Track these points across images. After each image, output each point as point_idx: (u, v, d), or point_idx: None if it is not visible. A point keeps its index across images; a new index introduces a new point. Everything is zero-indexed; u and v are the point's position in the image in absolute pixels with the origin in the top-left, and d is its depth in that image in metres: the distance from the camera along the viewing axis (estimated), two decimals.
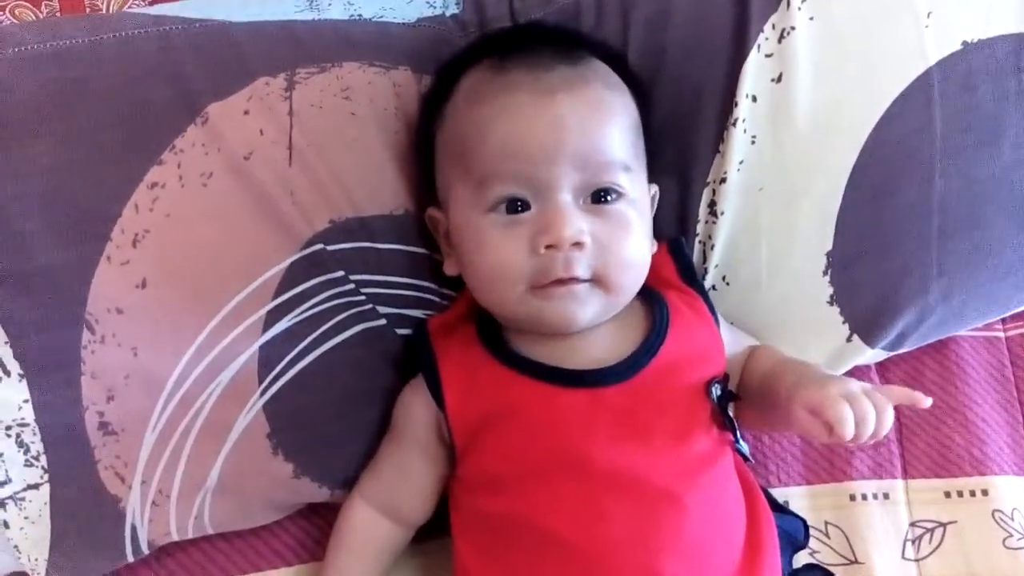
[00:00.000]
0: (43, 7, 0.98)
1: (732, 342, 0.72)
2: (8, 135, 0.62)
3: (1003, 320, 0.89)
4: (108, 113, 0.64)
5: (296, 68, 0.68)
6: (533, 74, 0.63)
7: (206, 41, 0.67)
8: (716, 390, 0.66)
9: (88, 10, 0.99)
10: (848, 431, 0.56)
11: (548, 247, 0.61)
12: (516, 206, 0.62)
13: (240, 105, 0.66)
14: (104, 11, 0.98)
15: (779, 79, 0.70)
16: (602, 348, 0.65)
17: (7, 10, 0.98)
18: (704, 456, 0.64)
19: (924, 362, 0.86)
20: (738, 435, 0.67)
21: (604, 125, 0.64)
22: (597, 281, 0.63)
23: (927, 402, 0.59)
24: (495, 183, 0.62)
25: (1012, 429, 0.85)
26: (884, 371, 0.86)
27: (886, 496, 0.82)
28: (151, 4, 0.98)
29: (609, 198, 0.63)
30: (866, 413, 0.56)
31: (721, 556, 0.63)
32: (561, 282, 0.62)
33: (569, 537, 0.61)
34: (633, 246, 0.64)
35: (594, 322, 0.64)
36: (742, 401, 0.69)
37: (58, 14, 0.98)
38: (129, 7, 1.00)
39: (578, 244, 0.61)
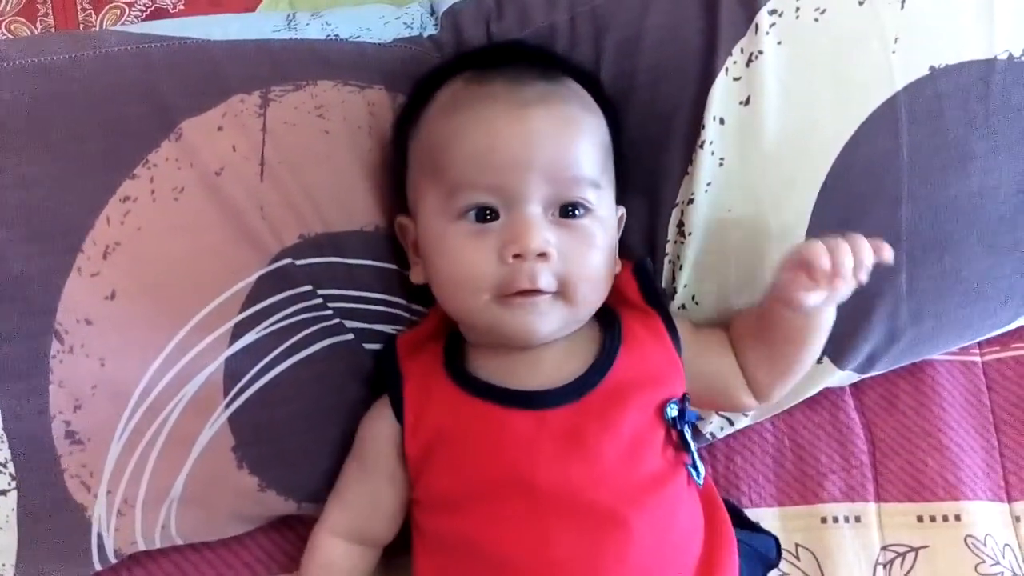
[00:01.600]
0: (38, 23, 1.01)
1: (710, 339, 0.72)
2: None
3: (980, 344, 0.88)
4: (85, 127, 0.65)
5: (271, 86, 0.69)
6: (510, 87, 0.64)
7: (184, 59, 0.69)
8: (671, 410, 0.66)
9: (82, 26, 1.01)
10: (823, 260, 0.61)
11: (515, 256, 0.62)
12: (485, 215, 0.63)
13: (214, 121, 0.67)
14: (97, 28, 1.01)
15: (747, 102, 0.71)
16: (552, 368, 0.66)
17: (3, 26, 1.01)
18: (654, 478, 0.64)
19: (899, 385, 0.86)
20: (694, 457, 0.67)
21: (576, 142, 0.64)
22: (560, 294, 0.63)
23: (888, 253, 0.64)
24: (466, 191, 0.63)
25: (987, 454, 0.84)
26: (859, 394, 0.86)
27: (858, 519, 0.81)
28: (143, 21, 1.01)
29: (577, 213, 0.64)
30: (836, 244, 0.61)
31: None
32: (525, 293, 0.62)
33: (515, 559, 0.61)
34: (597, 261, 0.65)
35: (554, 335, 0.65)
36: (749, 351, 0.70)
37: (52, 30, 1.01)
38: (122, 23, 1.02)
39: (544, 255, 0.62)
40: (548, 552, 0.61)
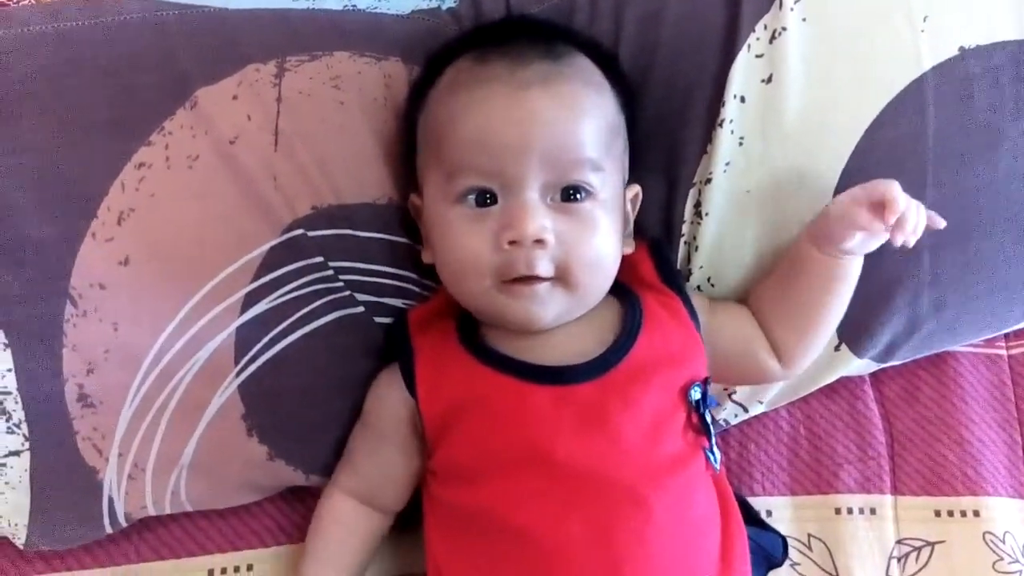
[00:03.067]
0: None
1: (730, 309, 0.72)
2: (5, 111, 0.64)
3: (1006, 337, 0.86)
4: (101, 93, 0.66)
5: (287, 56, 0.69)
6: (511, 68, 0.63)
7: (201, 27, 0.69)
8: (695, 393, 0.65)
9: None
10: (901, 202, 0.61)
11: (511, 243, 0.61)
12: (484, 198, 0.62)
13: (230, 90, 0.67)
14: None
15: (769, 80, 0.69)
16: (573, 346, 0.65)
17: None
18: (674, 459, 0.63)
19: (920, 377, 0.85)
20: (713, 441, 0.66)
21: (577, 123, 0.63)
22: (560, 279, 0.63)
23: (941, 223, 0.65)
24: (464, 175, 0.62)
25: (1009, 450, 0.83)
26: (879, 384, 0.85)
27: (873, 511, 0.80)
28: None
29: (578, 196, 0.63)
30: (907, 197, 0.62)
31: (687, 564, 0.62)
32: (524, 280, 0.62)
33: (531, 532, 0.61)
34: (599, 246, 0.64)
35: (558, 321, 0.64)
36: (773, 310, 0.70)
37: None
38: None
39: (540, 242, 0.61)
40: (565, 527, 0.60)
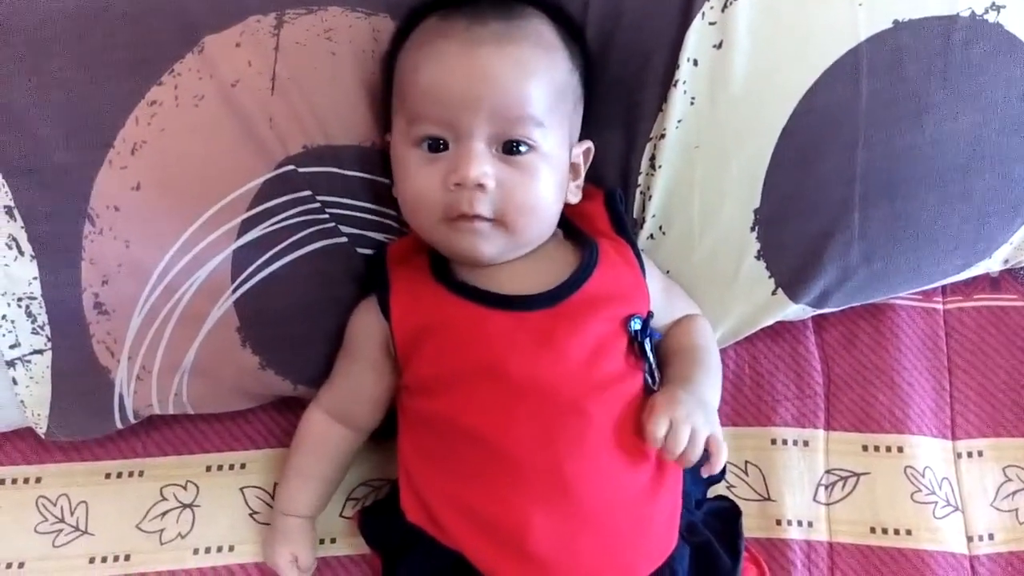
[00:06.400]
0: None
1: (666, 306, 0.79)
2: (35, 53, 0.71)
3: (943, 292, 0.93)
4: (120, 38, 0.72)
5: (286, 9, 0.75)
6: (467, 25, 0.70)
7: None
8: (635, 324, 0.73)
9: None
10: (652, 444, 0.68)
11: (456, 185, 0.69)
12: (437, 144, 0.70)
13: (233, 38, 0.74)
14: None
15: (720, 46, 0.76)
16: (531, 279, 0.73)
17: None
18: (613, 376, 0.72)
19: (860, 325, 0.92)
20: (652, 366, 0.74)
21: (524, 82, 0.69)
22: (499, 221, 0.70)
23: (716, 468, 0.69)
24: (421, 122, 0.70)
25: (937, 395, 0.90)
26: (821, 331, 0.92)
27: (806, 444, 0.88)
28: None
29: (520, 149, 0.70)
30: (677, 443, 0.67)
31: (624, 465, 0.70)
32: (465, 217, 0.69)
33: (485, 434, 0.70)
34: (537, 194, 0.71)
35: (501, 257, 0.72)
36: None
37: None
38: None
39: (481, 186, 0.69)
40: (513, 429, 0.69)
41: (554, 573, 0.69)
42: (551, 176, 0.72)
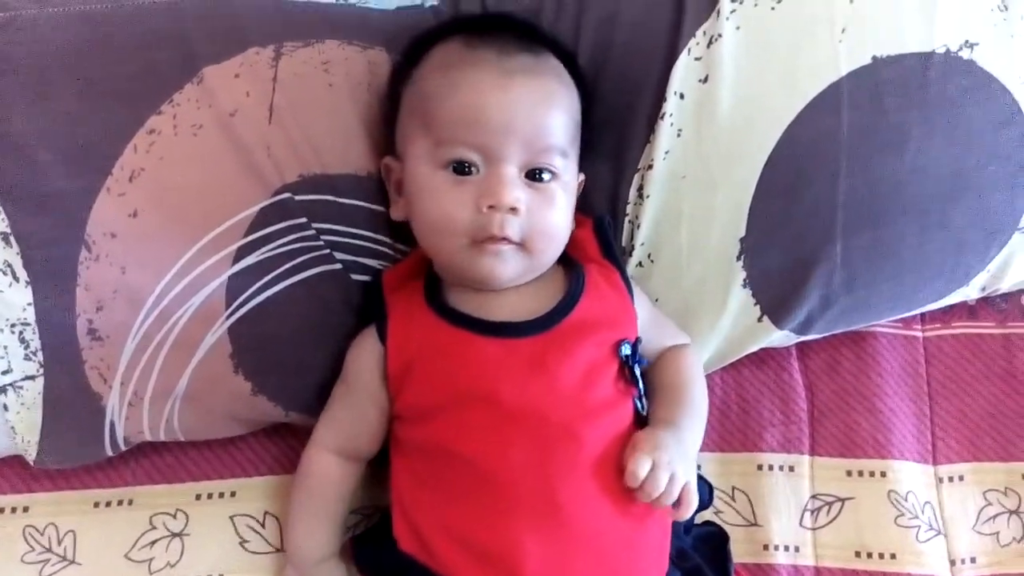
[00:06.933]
0: None
1: (655, 333, 0.80)
2: (36, 82, 0.73)
3: (922, 320, 0.96)
4: (121, 68, 0.74)
5: (284, 42, 0.77)
6: (498, 56, 0.72)
7: (210, 12, 0.77)
8: (625, 348, 0.75)
9: None
10: (629, 483, 0.67)
11: (489, 207, 0.70)
12: (465, 168, 0.72)
13: (232, 69, 0.76)
14: None
15: (705, 80, 0.78)
16: (521, 306, 0.75)
17: None
18: (605, 402, 0.73)
19: (843, 352, 0.94)
20: (641, 392, 0.75)
21: (552, 113, 0.73)
22: (523, 245, 0.72)
23: (683, 517, 0.71)
24: (451, 145, 0.71)
25: (918, 420, 0.92)
26: (804, 357, 0.94)
27: (792, 469, 0.89)
28: None
29: (544, 177, 0.73)
30: (656, 487, 0.67)
31: (615, 490, 0.70)
32: (494, 239, 0.71)
33: (477, 460, 0.70)
34: (557, 220, 0.74)
35: (513, 281, 0.74)
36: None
37: None
38: None
39: (514, 210, 0.71)
40: (507, 455, 0.70)
41: None
42: (567, 203, 0.75)
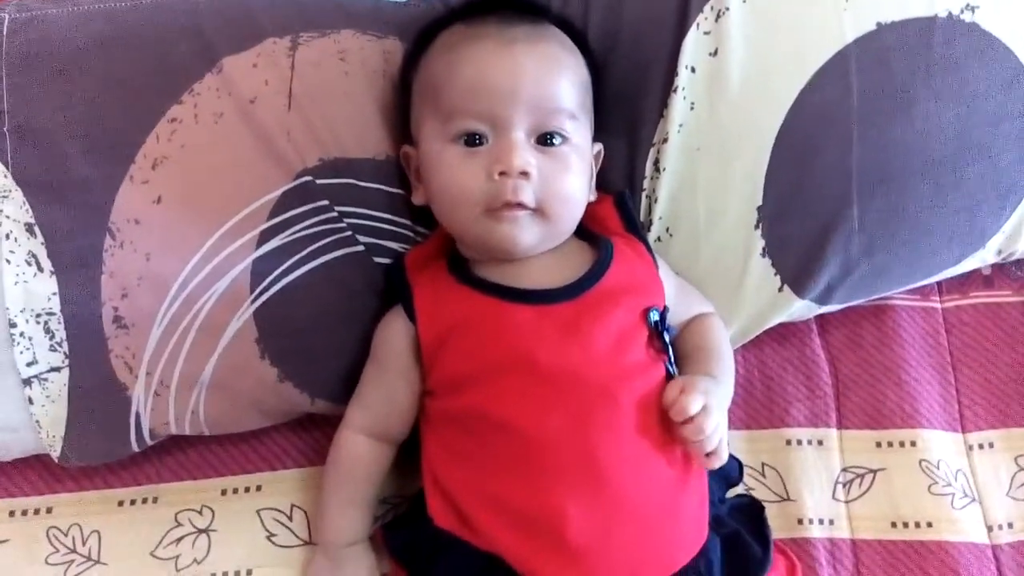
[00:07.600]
0: None
1: (681, 302, 0.81)
2: (63, 74, 0.74)
3: (940, 292, 0.96)
4: (142, 60, 0.76)
5: (300, 32, 0.79)
6: (499, 27, 0.74)
7: (226, 6, 0.79)
8: (654, 315, 0.75)
9: None
10: (677, 416, 0.69)
11: (501, 174, 0.71)
12: (475, 139, 0.73)
13: (250, 59, 0.78)
14: None
15: (715, 53, 0.80)
16: (549, 275, 0.75)
17: None
18: (638, 365, 0.73)
19: (863, 326, 0.94)
20: (671, 357, 0.76)
21: (557, 77, 0.74)
22: (538, 211, 0.73)
23: (716, 464, 0.72)
24: (460, 118, 0.73)
25: (943, 390, 0.91)
26: (825, 332, 0.94)
27: (820, 443, 0.88)
28: None
29: (555, 141, 0.74)
30: (707, 424, 0.69)
31: (653, 452, 0.71)
32: (509, 206, 0.71)
33: (517, 424, 0.70)
34: (572, 183, 0.74)
35: (534, 248, 0.74)
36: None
37: None
38: None
39: (525, 174, 0.71)
40: (547, 420, 0.69)
41: (592, 564, 0.68)
42: (582, 167, 0.75)
